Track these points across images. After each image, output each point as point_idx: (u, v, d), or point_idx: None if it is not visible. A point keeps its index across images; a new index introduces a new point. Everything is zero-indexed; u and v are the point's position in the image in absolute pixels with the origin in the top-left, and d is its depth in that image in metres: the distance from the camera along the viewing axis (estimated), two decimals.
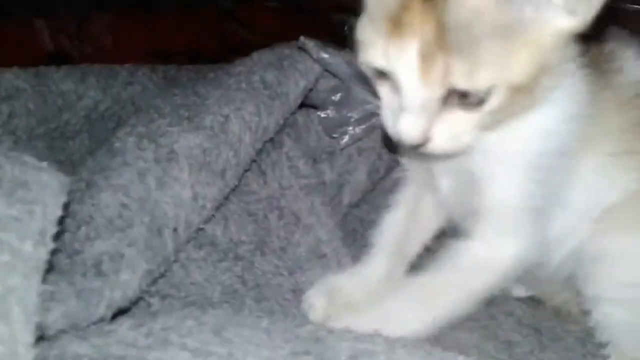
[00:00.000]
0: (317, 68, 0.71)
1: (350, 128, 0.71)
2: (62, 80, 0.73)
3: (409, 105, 0.48)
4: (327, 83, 0.73)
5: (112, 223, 0.50)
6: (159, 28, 1.31)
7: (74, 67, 0.78)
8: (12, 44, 1.07)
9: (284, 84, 0.69)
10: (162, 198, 0.54)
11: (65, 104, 0.73)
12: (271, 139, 0.68)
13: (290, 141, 0.71)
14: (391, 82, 0.49)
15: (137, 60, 1.24)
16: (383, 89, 0.51)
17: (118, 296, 0.48)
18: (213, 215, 0.61)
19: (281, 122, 0.68)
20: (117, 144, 0.58)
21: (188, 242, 0.59)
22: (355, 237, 0.73)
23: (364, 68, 0.52)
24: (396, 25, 0.45)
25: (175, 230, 0.55)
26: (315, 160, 0.72)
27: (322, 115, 0.73)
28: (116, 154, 0.57)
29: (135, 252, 0.50)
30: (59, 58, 1.14)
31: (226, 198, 0.62)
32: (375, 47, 0.48)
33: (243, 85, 0.66)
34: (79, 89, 0.73)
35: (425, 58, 0.45)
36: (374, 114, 0.73)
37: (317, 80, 0.72)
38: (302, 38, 0.70)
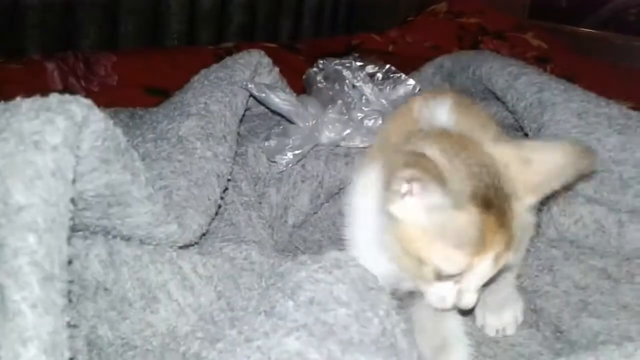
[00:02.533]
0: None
1: (286, 155, 0.81)
2: None
3: (474, 288, 0.57)
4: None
5: None
6: (158, 66, 1.44)
7: None
8: (25, 83, 1.21)
9: (232, 76, 0.83)
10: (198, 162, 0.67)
11: None
12: None
13: (237, 167, 0.81)
14: (456, 277, 0.57)
15: (137, 95, 1.38)
16: (442, 284, 0.57)
17: None
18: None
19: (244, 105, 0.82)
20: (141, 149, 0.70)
21: None
22: (296, 254, 0.82)
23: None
24: (478, 246, 0.54)
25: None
26: (256, 184, 0.82)
27: (266, 144, 0.83)
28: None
29: None
30: None
31: None
32: (454, 262, 0.55)
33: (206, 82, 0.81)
34: None
35: (497, 259, 0.55)
36: (305, 143, 0.83)
37: None
38: (247, 84, 0.81)
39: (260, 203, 0.80)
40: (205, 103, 0.74)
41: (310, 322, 0.48)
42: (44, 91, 1.26)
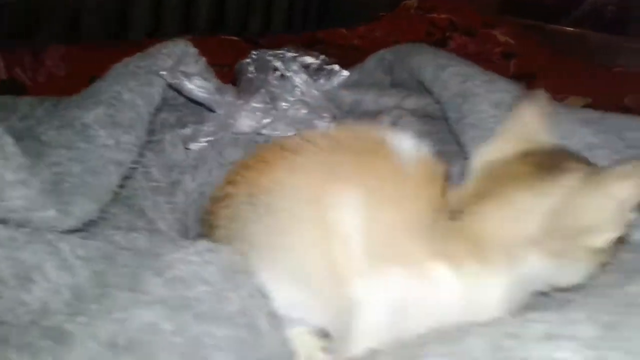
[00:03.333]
0: None
1: (200, 141, 0.82)
2: None
3: None
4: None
5: None
6: (108, 57, 1.44)
7: None
8: None
9: (153, 65, 0.84)
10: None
11: None
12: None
13: (151, 153, 0.82)
14: None
15: (83, 85, 1.39)
16: None
17: None
18: None
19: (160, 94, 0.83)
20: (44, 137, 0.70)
21: None
22: None
23: None
24: None
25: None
26: (172, 170, 0.83)
27: (182, 131, 0.84)
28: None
29: None
30: (13, 86, 1.29)
31: None
32: None
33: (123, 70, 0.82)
34: None
35: None
36: (219, 130, 0.84)
37: None
38: (162, 73, 0.82)
39: (173, 189, 0.81)
40: (118, 92, 0.75)
41: (170, 296, 0.49)
42: None
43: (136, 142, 0.74)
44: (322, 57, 1.07)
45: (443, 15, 2.49)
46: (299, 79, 0.98)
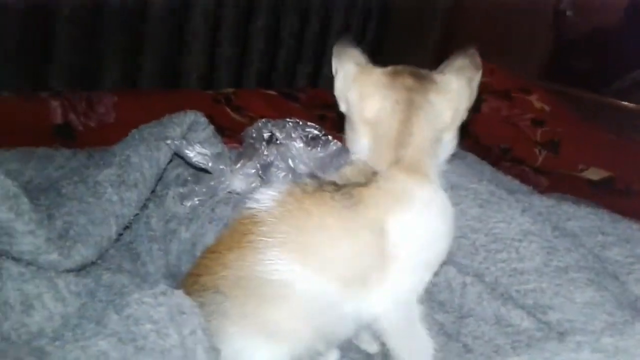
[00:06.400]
0: None
1: (193, 200, 0.99)
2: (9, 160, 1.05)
3: None
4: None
5: None
6: (156, 107, 1.65)
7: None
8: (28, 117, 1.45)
9: (163, 132, 1.01)
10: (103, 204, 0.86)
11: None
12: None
13: (153, 205, 1.00)
14: None
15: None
16: None
17: None
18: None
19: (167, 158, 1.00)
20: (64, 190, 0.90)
21: None
22: None
23: None
24: None
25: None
26: (170, 221, 1.00)
27: (180, 190, 1.02)
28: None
29: None
30: (66, 131, 1.51)
31: None
32: None
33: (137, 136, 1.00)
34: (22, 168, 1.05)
35: None
36: (210, 191, 1.01)
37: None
38: (170, 141, 1.00)
39: (168, 238, 0.98)
40: (128, 155, 0.93)
41: (121, 331, 0.65)
42: (46, 125, 1.48)
43: (138, 199, 0.91)
44: (319, 127, 1.23)
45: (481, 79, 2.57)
46: (294, 149, 1.14)
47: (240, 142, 1.24)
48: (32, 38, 1.68)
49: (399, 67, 0.88)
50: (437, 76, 0.86)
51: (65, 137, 1.46)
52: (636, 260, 0.92)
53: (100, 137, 1.48)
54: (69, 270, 0.78)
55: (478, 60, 0.87)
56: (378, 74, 0.87)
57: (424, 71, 0.87)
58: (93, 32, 1.83)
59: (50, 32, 1.72)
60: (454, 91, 0.85)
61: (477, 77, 0.87)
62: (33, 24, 1.66)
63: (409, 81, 0.85)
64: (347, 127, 0.89)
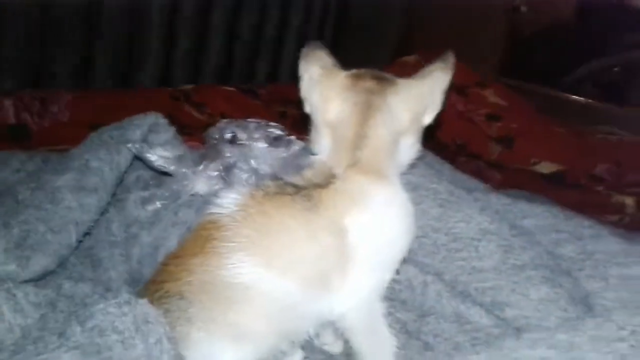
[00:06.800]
0: None
1: (155, 204, 0.99)
2: None
3: None
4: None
5: None
6: (110, 105, 1.62)
7: None
8: None
9: (123, 135, 1.00)
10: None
11: None
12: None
13: (114, 210, 0.99)
14: None
15: (83, 132, 1.56)
16: None
17: None
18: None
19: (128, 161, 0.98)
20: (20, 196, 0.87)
21: None
22: None
23: None
24: None
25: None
26: (131, 226, 0.99)
27: (142, 194, 1.01)
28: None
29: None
30: (20, 131, 1.48)
31: None
32: None
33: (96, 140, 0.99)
34: None
35: None
36: (172, 195, 1.00)
37: None
38: (131, 145, 0.98)
39: (130, 243, 0.97)
40: (87, 159, 0.92)
41: (85, 343, 0.64)
42: None
43: (98, 204, 0.90)
44: (282, 127, 1.23)
45: None
46: (256, 150, 1.14)
47: (201, 141, 1.23)
48: None
49: (362, 70, 0.89)
50: (399, 80, 0.88)
51: (19, 137, 1.42)
52: (587, 257, 0.96)
53: (54, 137, 1.46)
54: (27, 281, 0.76)
55: (450, 63, 0.87)
56: (341, 77, 0.88)
57: (388, 75, 0.88)
58: (43, 28, 1.78)
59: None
60: (413, 95, 0.86)
61: (446, 80, 0.87)
62: None
63: (369, 84, 0.86)
64: (311, 128, 0.90)
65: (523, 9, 3.00)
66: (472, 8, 2.77)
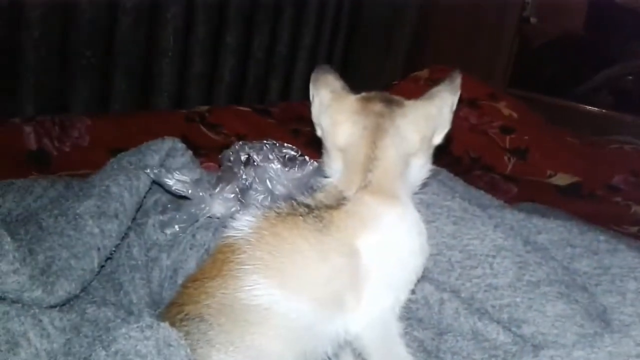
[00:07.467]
0: None
1: (174, 227, 1.01)
2: None
3: None
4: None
5: None
6: (128, 129, 1.65)
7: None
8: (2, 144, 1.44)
9: (142, 160, 1.02)
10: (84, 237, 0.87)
11: None
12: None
13: (134, 234, 1.01)
14: None
15: (104, 156, 1.59)
16: None
17: None
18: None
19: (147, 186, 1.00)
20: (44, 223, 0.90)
21: None
22: None
23: None
24: None
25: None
26: (151, 249, 1.01)
27: (160, 217, 1.03)
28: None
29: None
30: (41, 156, 1.51)
31: None
32: None
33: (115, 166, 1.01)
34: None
35: None
36: (190, 218, 1.02)
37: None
38: (149, 170, 1.01)
39: (150, 266, 0.99)
40: (107, 185, 0.94)
41: None
42: (20, 151, 1.48)
43: (119, 230, 0.92)
44: (295, 148, 1.25)
45: None
46: (272, 171, 1.16)
47: (217, 162, 1.25)
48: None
49: (372, 93, 0.91)
50: (407, 102, 0.89)
51: (40, 163, 1.46)
52: (603, 271, 0.96)
53: (75, 162, 1.49)
54: (52, 306, 0.78)
55: (457, 83, 0.89)
56: (351, 101, 0.89)
57: (396, 97, 0.90)
58: (61, 52, 1.83)
59: (18, 55, 1.71)
60: (421, 116, 0.87)
61: (454, 100, 0.89)
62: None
63: (378, 107, 0.87)
64: (323, 151, 0.92)
65: (533, 20, 3.01)
66: (481, 20, 2.79)
